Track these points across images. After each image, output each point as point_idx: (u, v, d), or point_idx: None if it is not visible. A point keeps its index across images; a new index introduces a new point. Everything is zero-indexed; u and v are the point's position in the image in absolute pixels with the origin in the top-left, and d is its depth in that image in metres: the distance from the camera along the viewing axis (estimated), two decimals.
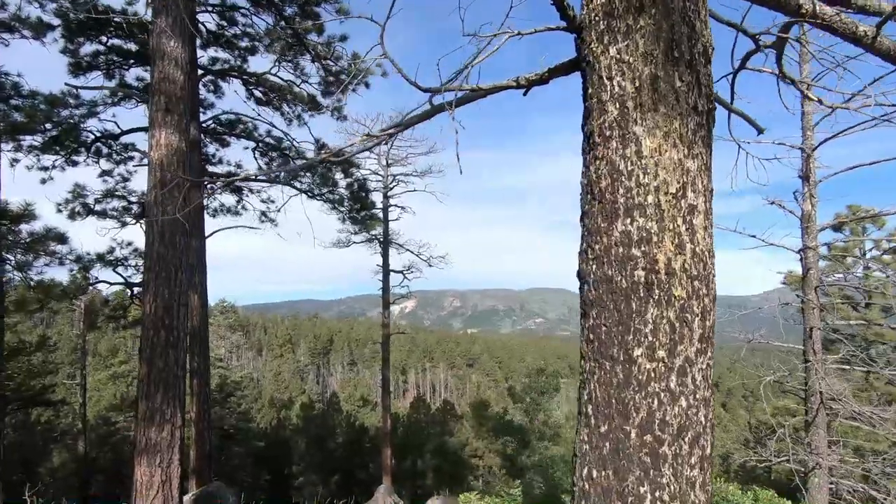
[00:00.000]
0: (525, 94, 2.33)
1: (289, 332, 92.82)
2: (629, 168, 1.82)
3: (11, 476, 14.46)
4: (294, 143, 13.14)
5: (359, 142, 2.39)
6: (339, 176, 14.26)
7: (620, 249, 1.83)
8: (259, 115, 13.10)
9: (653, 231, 1.79)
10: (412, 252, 22.97)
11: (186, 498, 9.08)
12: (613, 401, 1.83)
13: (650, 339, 1.78)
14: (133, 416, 24.04)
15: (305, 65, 12.56)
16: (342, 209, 15.45)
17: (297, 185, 13.53)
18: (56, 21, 10.03)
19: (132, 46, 11.54)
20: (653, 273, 1.78)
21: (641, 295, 1.79)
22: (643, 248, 1.80)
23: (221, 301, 30.32)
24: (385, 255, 22.97)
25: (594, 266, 1.92)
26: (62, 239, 9.06)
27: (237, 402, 28.20)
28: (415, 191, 23.02)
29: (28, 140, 9.96)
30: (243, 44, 12.53)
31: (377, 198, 20.79)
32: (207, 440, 12.02)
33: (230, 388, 27.21)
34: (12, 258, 8.41)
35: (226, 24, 12.21)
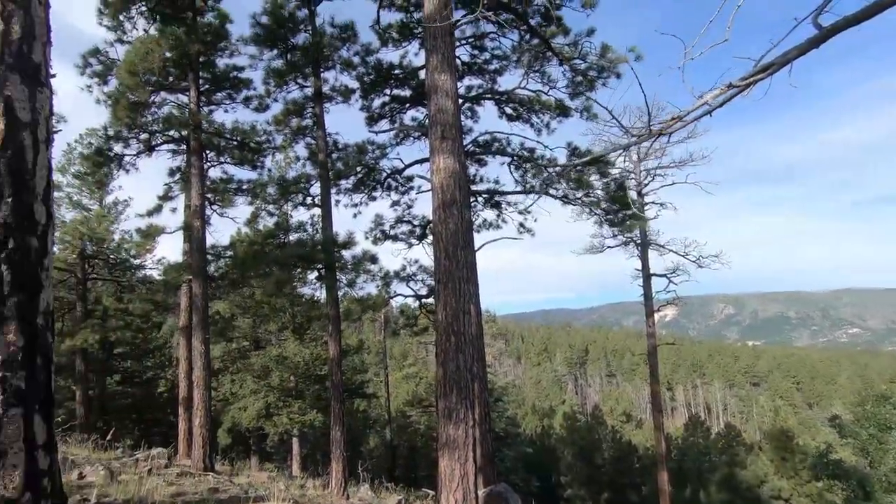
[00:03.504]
0: None
1: (544, 341, 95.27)
2: None
3: (346, 452, 18.37)
4: (548, 149, 13.26)
5: (711, 97, 1.83)
6: (594, 178, 13.72)
7: None
8: (511, 130, 13.64)
9: None
10: (676, 252, 20.50)
11: (480, 493, 9.69)
12: None
13: None
14: (423, 411, 27.95)
15: (551, 71, 12.54)
16: (598, 212, 14.79)
17: (553, 192, 13.51)
18: (355, 84, 12.46)
19: (406, 92, 13.49)
20: None
21: None
22: None
23: (485, 311, 32.95)
24: (644, 259, 21.12)
25: None
26: (374, 259, 11.14)
27: (504, 407, 29.90)
28: (673, 184, 20.61)
29: (343, 183, 12.63)
30: (492, 66, 13.28)
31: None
32: (489, 442, 12.77)
33: (498, 394, 29.04)
34: (343, 278, 10.68)
35: (477, 52, 13.18)
